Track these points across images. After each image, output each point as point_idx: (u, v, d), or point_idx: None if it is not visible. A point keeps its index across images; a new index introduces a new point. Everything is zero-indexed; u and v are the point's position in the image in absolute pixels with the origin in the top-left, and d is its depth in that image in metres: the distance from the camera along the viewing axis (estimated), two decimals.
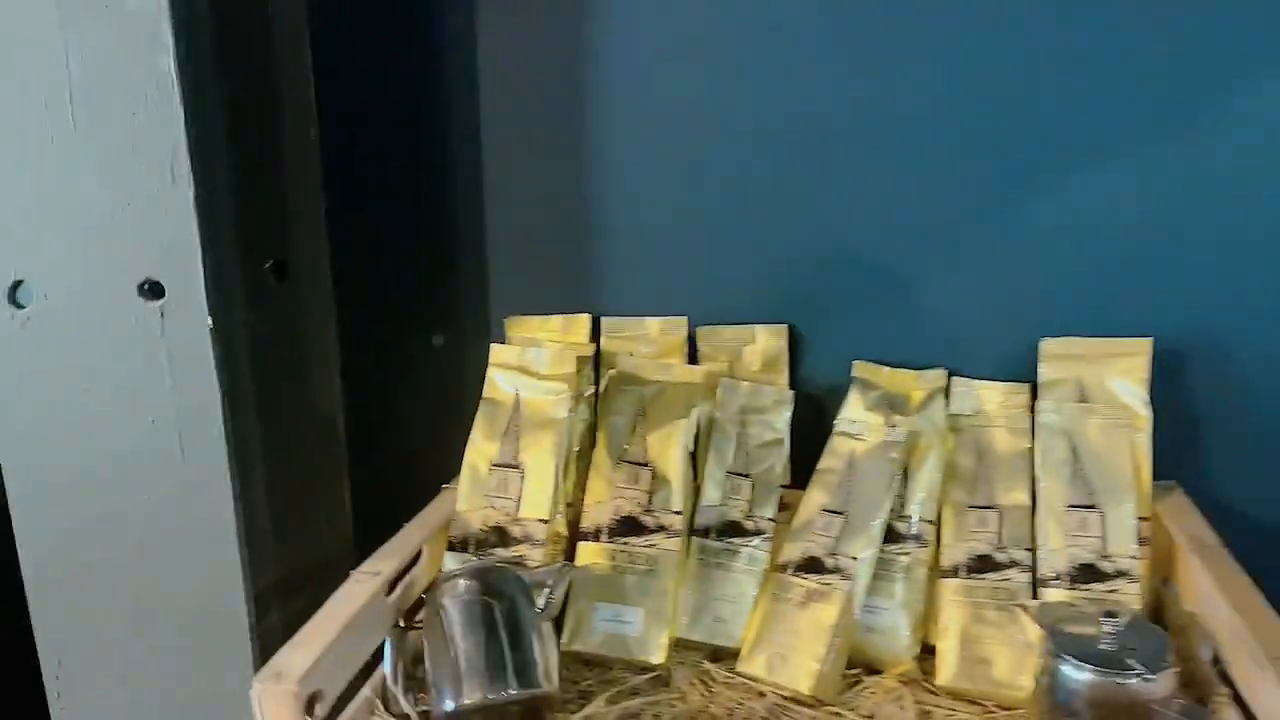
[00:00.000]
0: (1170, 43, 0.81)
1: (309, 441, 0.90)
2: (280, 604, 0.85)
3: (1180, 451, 0.85)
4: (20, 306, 0.79)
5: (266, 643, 0.82)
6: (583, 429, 0.91)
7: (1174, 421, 0.84)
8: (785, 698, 0.77)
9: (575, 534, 0.86)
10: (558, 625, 0.79)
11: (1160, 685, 0.64)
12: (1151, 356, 0.83)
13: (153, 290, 0.77)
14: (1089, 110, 0.83)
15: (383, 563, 0.76)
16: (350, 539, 0.96)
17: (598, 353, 0.95)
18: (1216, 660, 0.69)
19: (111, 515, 0.82)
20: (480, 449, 0.86)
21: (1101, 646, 0.67)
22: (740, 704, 0.76)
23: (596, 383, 0.93)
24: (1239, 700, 0.66)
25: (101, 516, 0.82)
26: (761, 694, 0.77)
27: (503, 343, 0.94)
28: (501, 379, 0.88)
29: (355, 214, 0.97)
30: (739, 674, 0.79)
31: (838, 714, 0.75)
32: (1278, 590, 0.69)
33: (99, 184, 0.75)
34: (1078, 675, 0.66)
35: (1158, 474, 0.83)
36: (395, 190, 0.99)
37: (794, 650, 0.77)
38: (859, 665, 0.81)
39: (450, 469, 0.88)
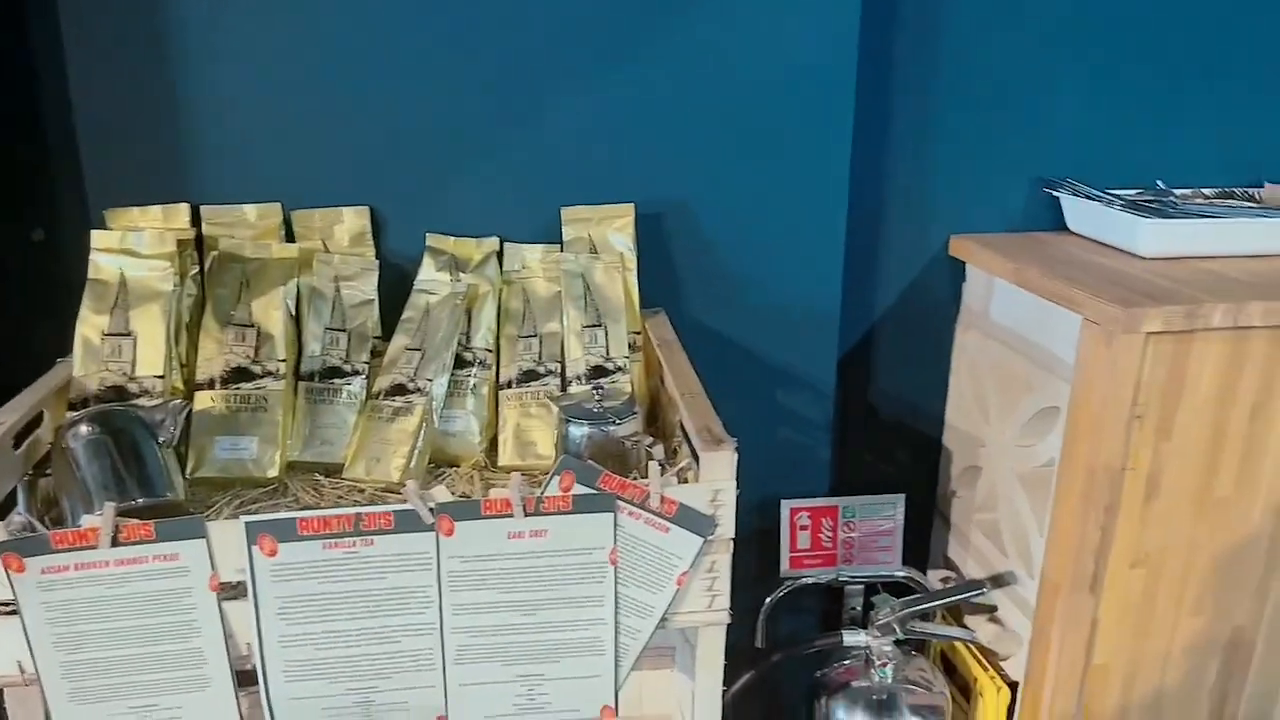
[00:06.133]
0: None
1: None
2: None
3: (661, 286, 1.19)
4: None
5: None
6: (190, 303, 1.04)
7: (656, 264, 1.17)
8: (382, 489, 0.99)
9: (191, 389, 1.01)
10: (181, 459, 0.94)
11: (625, 428, 0.95)
12: (635, 217, 1.15)
13: None
14: (576, 41, 1.11)
15: (3, 416, 0.86)
16: None
17: (200, 237, 1.08)
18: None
19: None
20: (91, 322, 0.97)
21: (592, 410, 0.97)
22: (344, 497, 0.97)
23: (201, 264, 1.07)
24: (688, 440, 0.99)
25: None
26: (362, 490, 0.99)
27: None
28: (105, 260, 0.99)
29: None
30: (345, 479, 1.00)
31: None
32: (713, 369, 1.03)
33: None
34: (577, 429, 0.95)
35: (649, 303, 1.16)
36: None
37: (385, 453, 1.00)
38: (444, 463, 1.05)
39: (64, 348, 0.98)
